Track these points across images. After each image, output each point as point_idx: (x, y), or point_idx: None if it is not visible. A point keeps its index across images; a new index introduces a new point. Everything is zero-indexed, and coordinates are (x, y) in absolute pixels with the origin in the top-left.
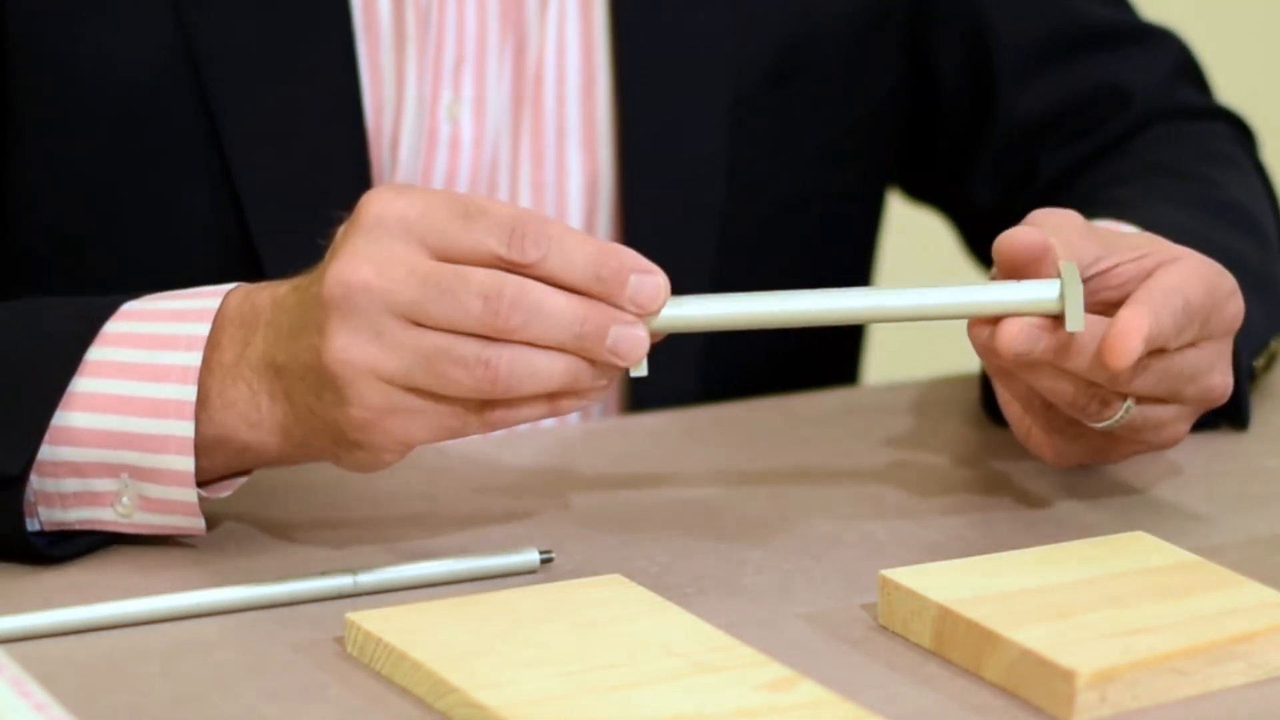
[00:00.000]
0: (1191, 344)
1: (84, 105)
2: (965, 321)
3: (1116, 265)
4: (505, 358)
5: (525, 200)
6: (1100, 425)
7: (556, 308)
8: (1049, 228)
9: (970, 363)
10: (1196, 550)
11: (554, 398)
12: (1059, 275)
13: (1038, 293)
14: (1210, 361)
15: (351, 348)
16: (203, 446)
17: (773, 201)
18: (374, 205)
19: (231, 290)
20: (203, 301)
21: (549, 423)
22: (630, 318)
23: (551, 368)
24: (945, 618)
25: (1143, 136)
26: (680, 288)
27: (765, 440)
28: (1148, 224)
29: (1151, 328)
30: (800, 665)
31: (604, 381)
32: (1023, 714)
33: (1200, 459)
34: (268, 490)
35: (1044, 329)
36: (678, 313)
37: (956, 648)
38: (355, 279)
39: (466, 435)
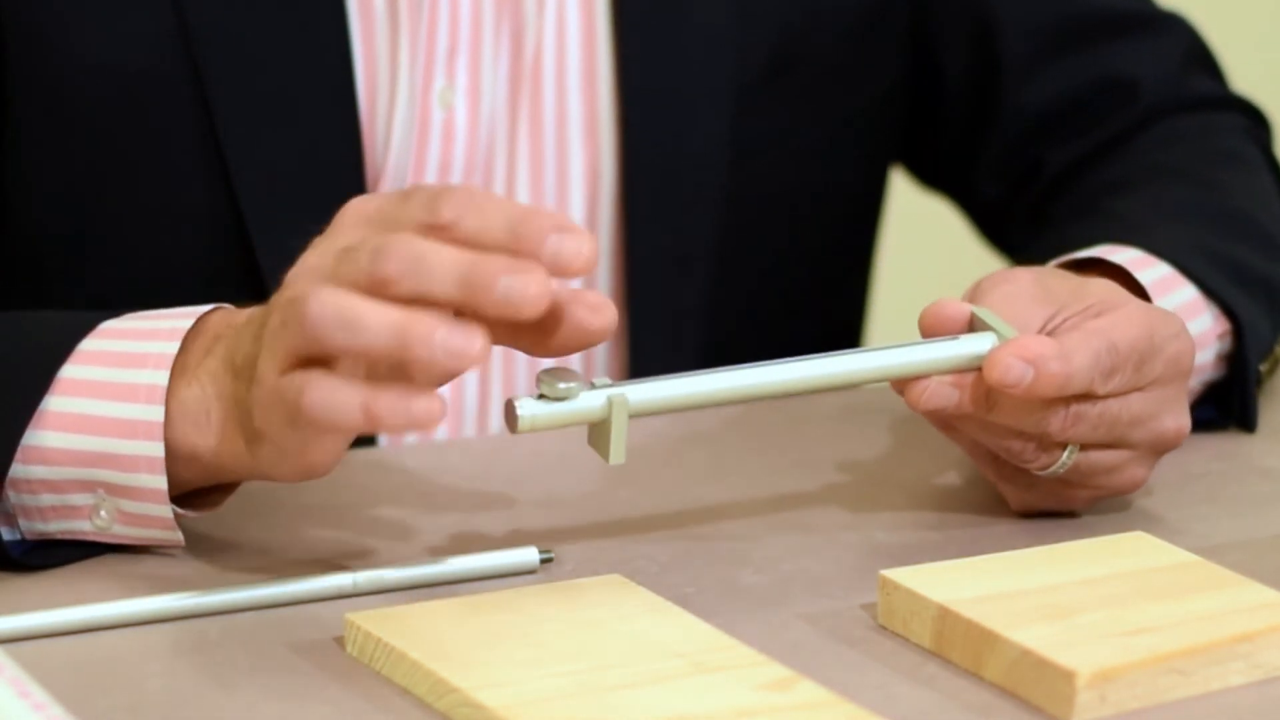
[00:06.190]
0: (1138, 389)
1: (79, 94)
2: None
3: (1065, 320)
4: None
5: (524, 190)
6: (1045, 473)
7: (440, 259)
8: (999, 297)
9: None
10: (1196, 550)
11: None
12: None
13: (973, 347)
14: (1159, 406)
15: (292, 288)
16: (168, 456)
17: (774, 191)
18: (345, 208)
19: (211, 310)
20: (176, 321)
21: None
22: (530, 266)
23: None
24: (945, 618)
25: (1150, 132)
26: (682, 275)
27: (765, 440)
28: (1148, 243)
29: (1058, 364)
30: (800, 665)
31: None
32: (1023, 714)
33: (1200, 459)
34: (268, 490)
35: (958, 385)
36: (627, 394)
37: (956, 648)
38: (303, 263)
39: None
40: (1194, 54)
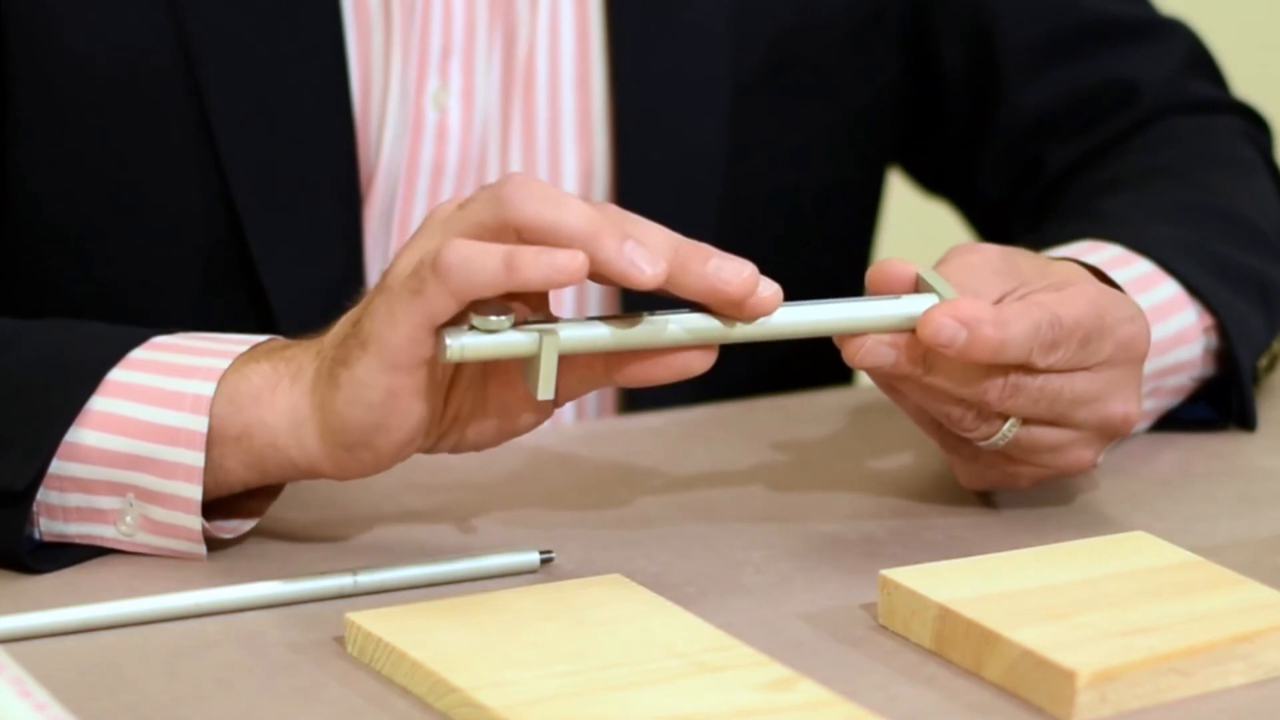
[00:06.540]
0: (1084, 368)
1: (76, 91)
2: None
3: (1025, 296)
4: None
5: None
6: (986, 444)
7: (650, 232)
8: (960, 266)
9: None
10: (1196, 550)
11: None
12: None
13: (912, 307)
14: (1105, 388)
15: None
16: (213, 439)
17: (770, 192)
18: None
19: (266, 339)
20: (230, 345)
21: (547, 423)
22: (741, 261)
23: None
24: (945, 618)
25: (1149, 132)
26: None
27: (765, 440)
28: (1132, 240)
29: (992, 329)
30: (800, 665)
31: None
32: (1023, 714)
33: (1200, 459)
34: None
35: (895, 344)
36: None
37: (957, 648)
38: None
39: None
40: (1195, 58)
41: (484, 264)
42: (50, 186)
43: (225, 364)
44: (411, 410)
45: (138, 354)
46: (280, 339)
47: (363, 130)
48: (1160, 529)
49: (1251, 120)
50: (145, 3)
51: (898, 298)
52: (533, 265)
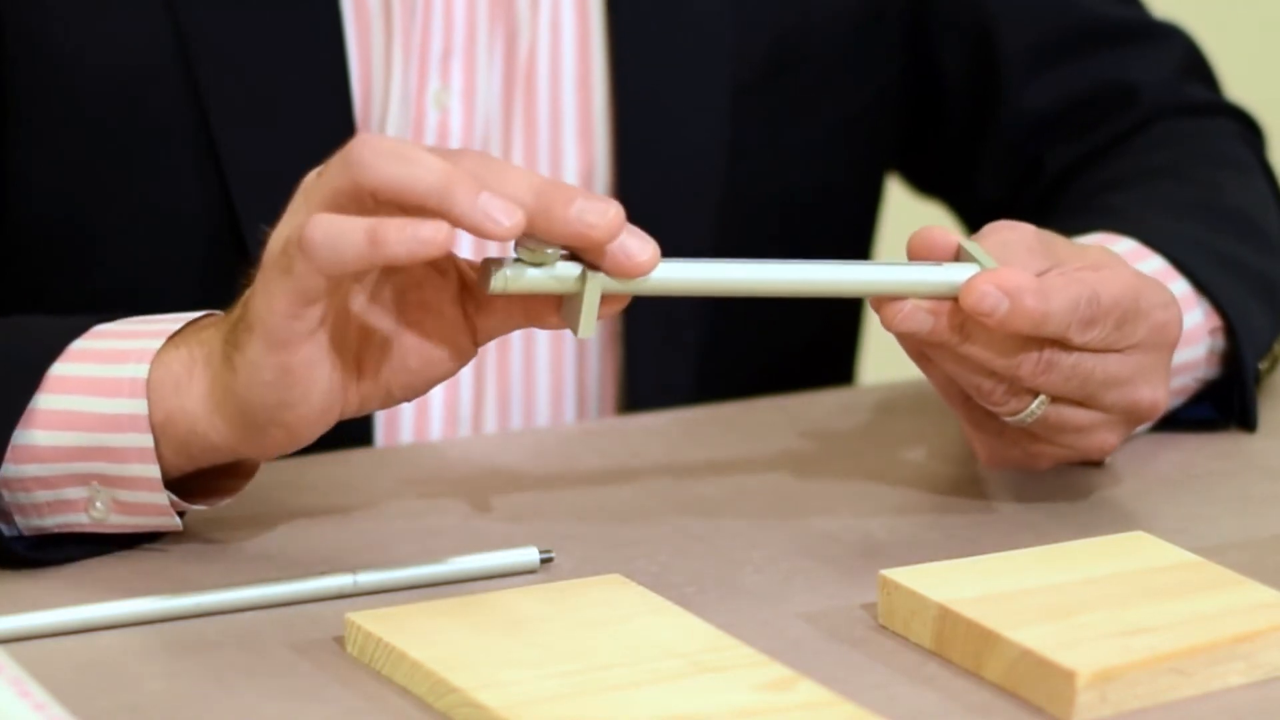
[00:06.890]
0: (1117, 350)
1: (75, 93)
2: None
3: (1065, 273)
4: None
5: None
6: (1013, 420)
7: (510, 175)
8: (997, 242)
9: None
10: (1196, 550)
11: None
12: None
13: (955, 275)
14: (1135, 371)
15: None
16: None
17: (770, 192)
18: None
19: (202, 315)
20: (164, 324)
21: (548, 423)
22: (604, 198)
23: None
24: (945, 618)
25: (1147, 134)
26: None
27: (765, 440)
28: (1144, 235)
29: (1034, 300)
30: (800, 665)
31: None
32: (1023, 714)
33: (1200, 459)
34: (268, 490)
35: (934, 312)
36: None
37: (956, 648)
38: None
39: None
40: (1191, 63)
41: (348, 239)
42: (49, 188)
43: (158, 344)
44: (312, 382)
45: (77, 345)
46: (215, 314)
47: (364, 130)
48: (1160, 529)
49: (1245, 124)
50: (142, 8)
51: (939, 264)
52: (397, 239)
